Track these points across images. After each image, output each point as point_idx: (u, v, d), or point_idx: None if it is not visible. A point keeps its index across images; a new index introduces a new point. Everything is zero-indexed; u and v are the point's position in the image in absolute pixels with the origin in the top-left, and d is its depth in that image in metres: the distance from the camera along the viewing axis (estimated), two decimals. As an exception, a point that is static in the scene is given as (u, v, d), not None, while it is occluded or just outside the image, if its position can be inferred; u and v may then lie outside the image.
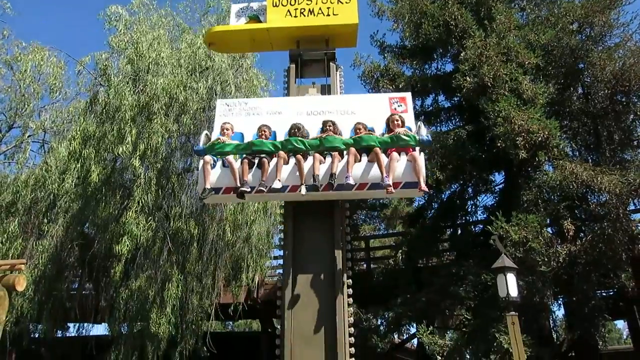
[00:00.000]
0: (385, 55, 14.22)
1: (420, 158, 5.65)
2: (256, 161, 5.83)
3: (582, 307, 10.10)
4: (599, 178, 9.42)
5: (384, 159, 5.60)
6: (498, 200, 12.64)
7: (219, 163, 5.93)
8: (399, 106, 6.48)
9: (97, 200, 11.51)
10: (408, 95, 6.74)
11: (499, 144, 10.05)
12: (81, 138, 11.79)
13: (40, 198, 12.64)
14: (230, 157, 5.86)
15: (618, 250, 9.36)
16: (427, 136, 5.83)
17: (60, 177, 12.27)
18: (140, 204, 11.03)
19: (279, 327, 5.95)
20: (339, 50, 7.72)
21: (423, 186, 5.57)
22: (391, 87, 13.12)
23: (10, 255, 11.30)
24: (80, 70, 13.94)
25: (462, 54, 11.28)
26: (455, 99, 13.41)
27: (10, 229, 11.77)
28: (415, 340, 16.42)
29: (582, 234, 10.31)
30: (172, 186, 11.91)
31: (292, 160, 5.78)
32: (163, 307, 10.80)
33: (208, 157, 5.87)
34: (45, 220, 12.40)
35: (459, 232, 13.59)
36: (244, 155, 5.91)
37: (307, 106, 6.62)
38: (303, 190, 5.54)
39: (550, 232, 10.39)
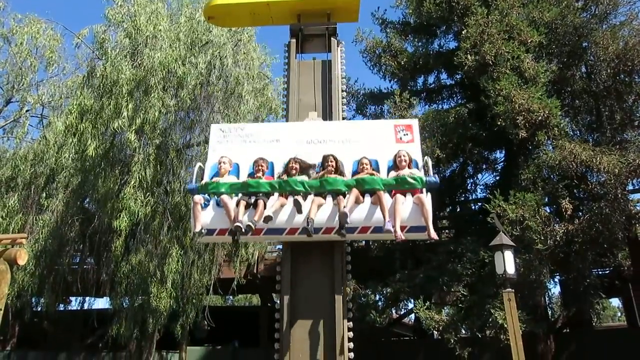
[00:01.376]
0: (388, 31, 14.04)
1: (428, 200, 5.29)
2: (252, 200, 5.46)
3: (578, 285, 10.24)
4: (598, 158, 9.42)
5: (387, 201, 5.27)
6: (498, 178, 12.66)
7: (212, 202, 5.58)
8: (404, 135, 6.12)
9: (96, 175, 11.48)
10: (414, 122, 6.35)
11: (499, 123, 10.02)
12: (78, 112, 11.66)
13: (40, 173, 12.64)
14: (225, 197, 5.47)
15: (615, 229, 9.42)
16: (435, 177, 5.47)
17: (58, 151, 12.24)
18: (139, 179, 11.01)
19: (278, 301, 6.02)
20: (340, 27, 7.58)
21: (432, 233, 5.20)
22: (393, 64, 13.02)
23: (11, 229, 11.37)
24: (78, 43, 13.79)
25: (463, 32, 11.14)
26: (457, 77, 13.31)
27: (10, 204, 11.82)
28: (412, 316, 16.68)
29: (579, 213, 10.36)
30: (171, 161, 11.86)
31: (291, 200, 5.45)
32: (163, 281, 10.91)
33: (198, 197, 5.50)
34: (45, 195, 12.42)
35: (458, 209, 13.65)
36: (240, 195, 5.55)
37: (307, 134, 6.22)
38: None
39: (548, 210, 10.42)
